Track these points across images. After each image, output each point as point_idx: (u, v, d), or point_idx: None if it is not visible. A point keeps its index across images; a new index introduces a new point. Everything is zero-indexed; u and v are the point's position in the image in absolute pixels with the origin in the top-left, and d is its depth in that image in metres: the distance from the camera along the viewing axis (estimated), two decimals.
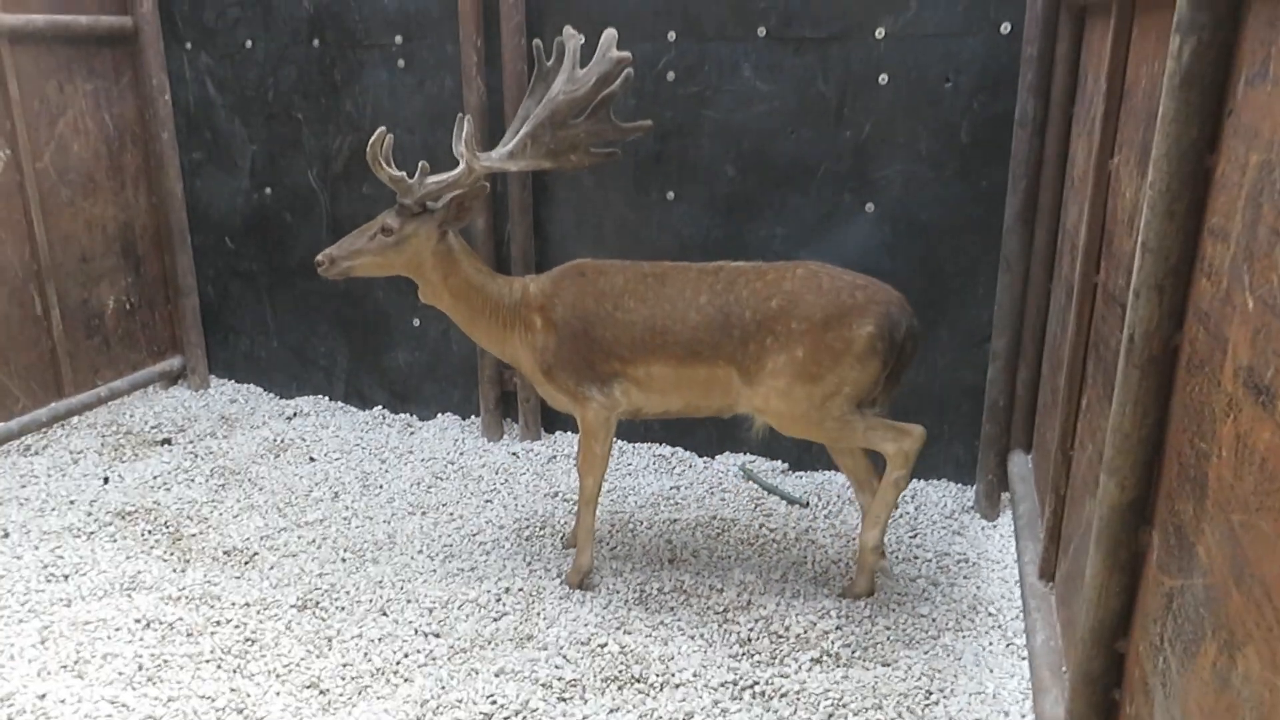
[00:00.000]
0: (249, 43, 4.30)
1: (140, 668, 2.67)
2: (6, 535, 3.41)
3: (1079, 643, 1.83)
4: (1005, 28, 3.17)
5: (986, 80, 3.24)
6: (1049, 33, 3.05)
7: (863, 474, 3.01)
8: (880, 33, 3.31)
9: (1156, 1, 2.01)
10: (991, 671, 2.66)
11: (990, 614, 2.91)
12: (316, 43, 4.16)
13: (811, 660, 2.69)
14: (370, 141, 2.74)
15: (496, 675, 2.64)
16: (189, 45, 4.43)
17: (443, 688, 2.59)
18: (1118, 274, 2.15)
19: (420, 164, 2.77)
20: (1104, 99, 2.36)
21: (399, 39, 4.00)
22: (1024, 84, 3.12)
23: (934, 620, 2.88)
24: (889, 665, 2.67)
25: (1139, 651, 1.67)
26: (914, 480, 3.69)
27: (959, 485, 3.68)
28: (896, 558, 3.21)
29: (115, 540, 3.40)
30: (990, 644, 2.78)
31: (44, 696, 2.53)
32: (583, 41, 2.79)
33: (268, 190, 4.49)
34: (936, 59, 3.28)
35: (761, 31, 3.45)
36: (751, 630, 2.83)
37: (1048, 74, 3.09)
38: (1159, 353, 1.56)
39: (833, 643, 2.75)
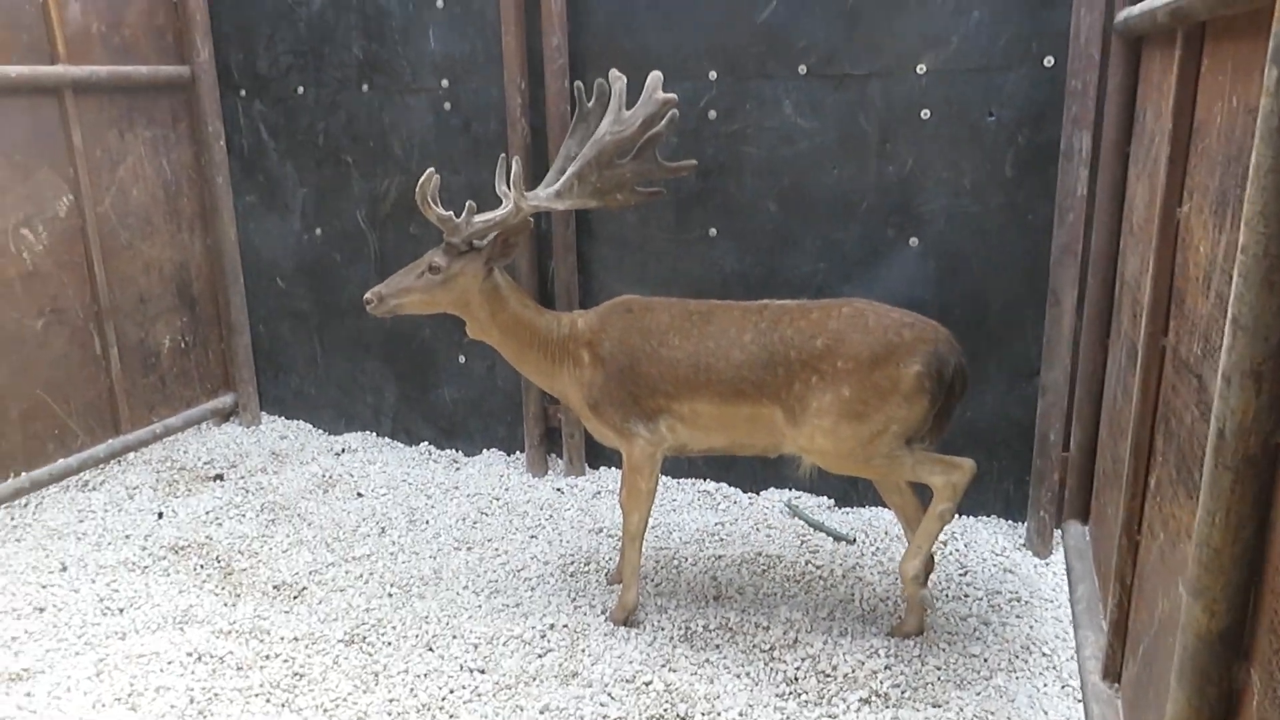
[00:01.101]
0: (300, 89, 4.42)
1: (191, 700, 2.71)
2: (65, 569, 3.48)
3: None
4: (1049, 61, 3.17)
5: (1031, 114, 3.23)
6: (1095, 65, 3.03)
7: (911, 511, 2.97)
8: (921, 68, 3.32)
9: (1231, 28, 1.77)
10: (1046, 714, 2.59)
11: (1044, 654, 2.85)
12: (365, 88, 4.27)
13: (860, 700, 2.64)
14: (419, 182, 2.80)
15: (541, 712, 2.63)
16: (243, 92, 4.57)
17: None
18: (1191, 338, 1.91)
19: (467, 204, 2.83)
20: (1169, 139, 2.13)
21: (445, 82, 4.10)
22: (1069, 117, 3.11)
23: (985, 660, 2.82)
24: (939, 706, 2.62)
25: None
26: (963, 516, 3.63)
27: (1009, 522, 3.62)
28: (946, 595, 3.16)
29: (169, 574, 3.46)
30: (1044, 685, 2.71)
31: None
32: (625, 83, 2.83)
33: (318, 231, 4.59)
34: (979, 93, 3.28)
35: (802, 69, 3.48)
36: (798, 669, 2.79)
37: (1097, 107, 3.06)
38: (1256, 452, 1.30)
39: (881, 682, 2.70)
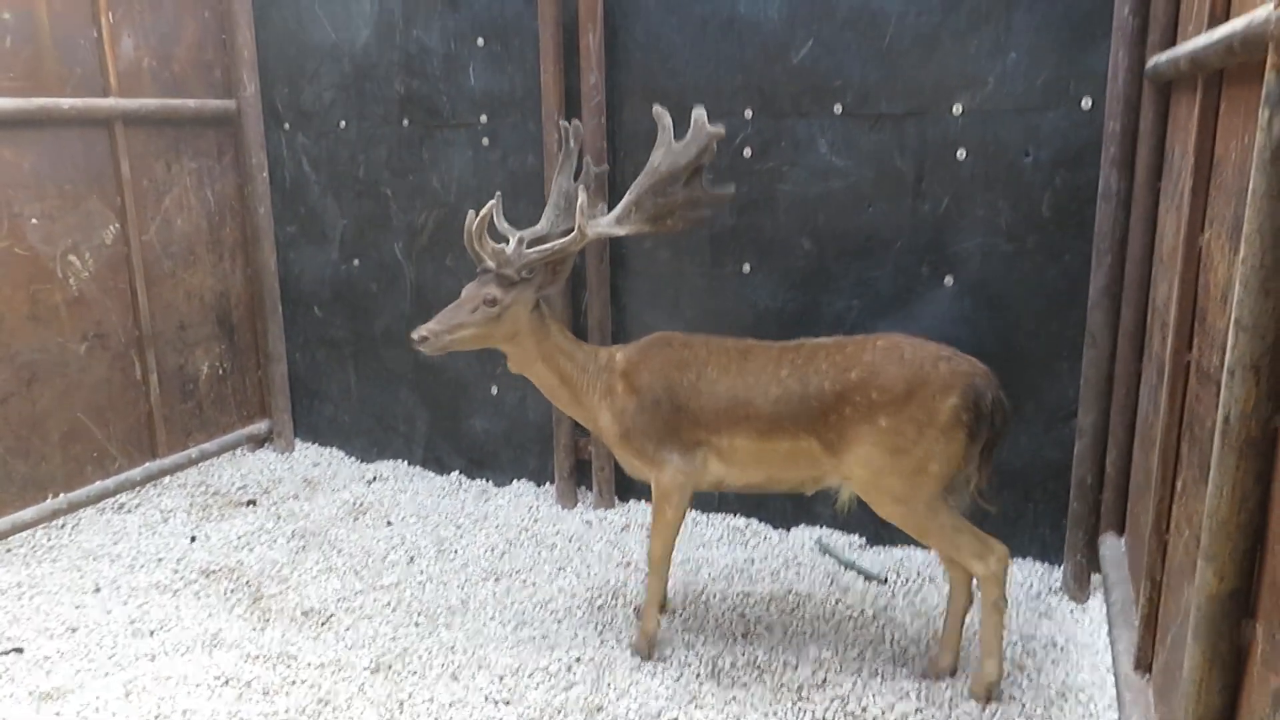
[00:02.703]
0: (343, 123, 4.51)
1: None
2: (98, 590, 3.52)
3: None
4: (1086, 103, 3.16)
5: (1068, 154, 3.23)
6: (1131, 107, 3.03)
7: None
8: (958, 109, 3.33)
9: (1244, 75, 1.99)
10: None
11: (1080, 702, 2.78)
12: (406, 122, 4.35)
13: None
14: (479, 216, 2.78)
15: None
16: (287, 126, 4.67)
17: None
18: (1211, 352, 2.08)
19: (518, 235, 2.85)
20: (1191, 174, 2.32)
21: (484, 118, 4.16)
22: (1107, 158, 3.10)
23: (1021, 707, 2.76)
24: None
25: None
26: None
27: (1045, 565, 3.55)
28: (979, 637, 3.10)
29: (199, 598, 3.48)
30: None
31: None
32: (670, 118, 2.87)
33: (355, 262, 4.66)
34: (1016, 134, 3.28)
35: (838, 108, 3.50)
36: (827, 710, 2.75)
37: (1131, 148, 3.06)
38: (1257, 435, 1.50)
39: None
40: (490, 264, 2.85)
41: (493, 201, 2.83)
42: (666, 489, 2.93)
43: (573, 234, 2.84)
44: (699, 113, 2.79)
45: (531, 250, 2.85)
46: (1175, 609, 2.25)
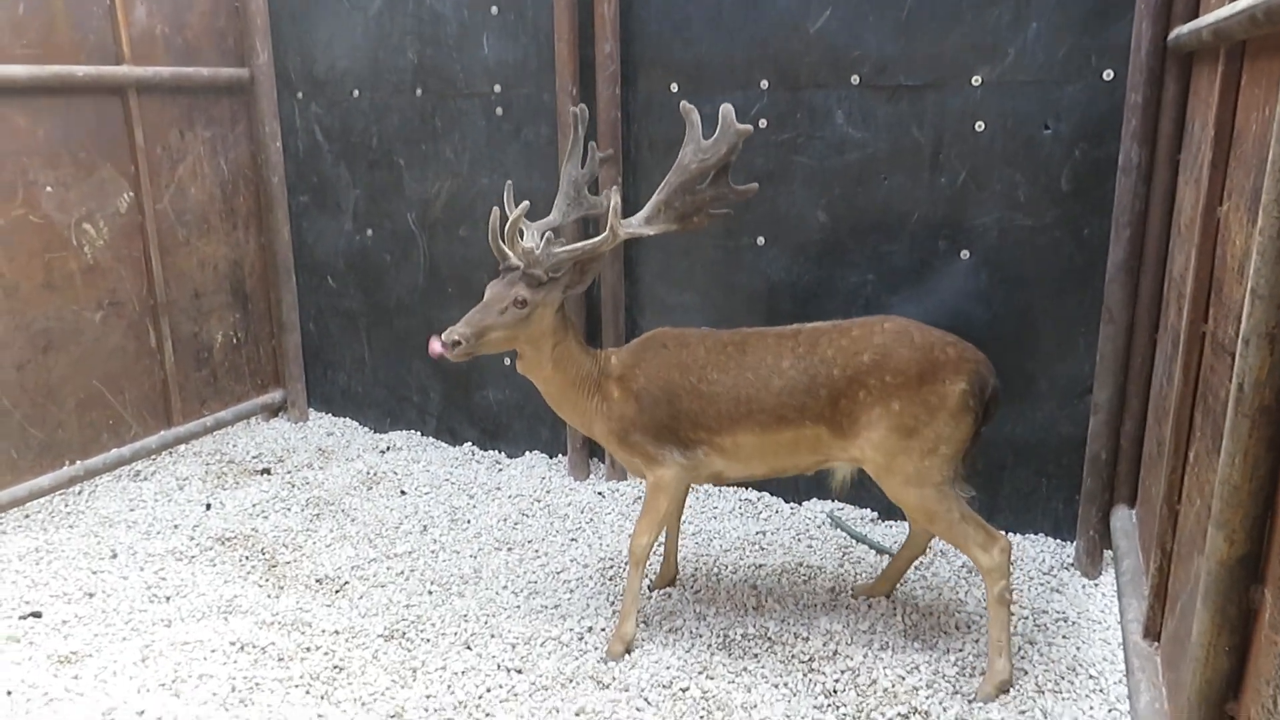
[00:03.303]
0: (356, 92, 4.49)
1: (233, 689, 2.75)
2: (115, 556, 3.56)
3: (1186, 704, 1.75)
4: (1108, 74, 3.12)
5: (1088, 127, 3.19)
6: (1154, 80, 2.99)
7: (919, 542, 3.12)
8: (977, 80, 3.29)
9: (1267, 47, 1.97)
10: None
11: (1091, 676, 2.79)
12: (419, 92, 4.32)
13: (899, 716, 2.61)
14: (510, 220, 2.69)
15: (577, 714, 2.63)
16: (300, 95, 4.65)
17: None
18: (1227, 323, 2.08)
19: (546, 234, 2.77)
20: (1211, 145, 2.31)
21: (497, 88, 4.14)
22: (1128, 131, 3.06)
23: (1031, 680, 2.77)
24: None
25: (1251, 715, 1.59)
26: (1011, 534, 3.58)
27: (1058, 541, 3.55)
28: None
29: (215, 565, 3.51)
30: (1091, 708, 2.65)
31: (142, 713, 2.62)
32: (699, 115, 2.79)
33: (369, 232, 4.66)
34: (1035, 106, 3.24)
35: (855, 79, 3.46)
36: (837, 681, 2.76)
37: (1153, 121, 3.03)
38: (1270, 403, 1.52)
39: (923, 699, 2.66)
40: (518, 263, 2.74)
41: (525, 204, 2.71)
42: (665, 482, 2.89)
43: (604, 235, 2.75)
44: (727, 109, 2.69)
45: (561, 250, 2.75)
46: (1185, 578, 2.27)
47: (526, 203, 2.74)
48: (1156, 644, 2.60)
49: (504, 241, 2.73)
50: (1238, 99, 2.22)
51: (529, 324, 2.76)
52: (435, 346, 2.73)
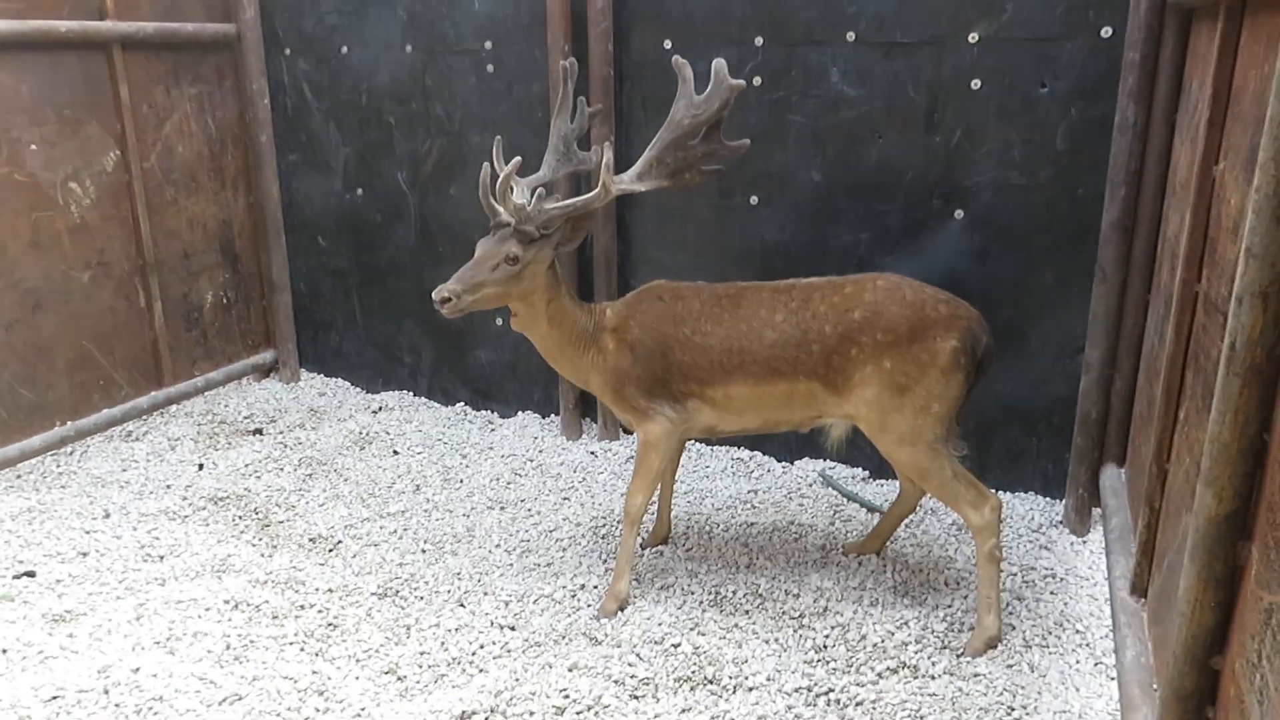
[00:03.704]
0: (345, 49, 4.43)
1: (228, 647, 2.76)
2: (108, 516, 3.56)
3: (1171, 658, 1.78)
4: (1106, 32, 3.09)
5: (1085, 85, 3.16)
6: (1152, 37, 2.96)
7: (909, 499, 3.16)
8: (973, 37, 3.25)
9: (1267, 4, 1.95)
10: (1078, 690, 2.57)
11: (1078, 631, 2.82)
12: (409, 49, 4.26)
13: (889, 670, 2.64)
14: (502, 175, 2.66)
15: (570, 670, 2.65)
16: (288, 51, 4.59)
17: (517, 680, 2.61)
18: (1220, 282, 2.08)
19: (537, 190, 2.74)
20: (1209, 104, 2.29)
21: (488, 44, 4.08)
22: (1125, 90, 3.03)
23: (1019, 635, 2.80)
24: (969, 680, 2.61)
25: (1235, 669, 1.61)
26: (1001, 492, 3.60)
27: (1047, 499, 3.58)
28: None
29: (208, 524, 3.52)
30: (1077, 662, 2.69)
31: (138, 670, 2.64)
32: (691, 70, 2.76)
33: (359, 191, 4.62)
34: (1032, 64, 3.21)
35: (850, 36, 3.42)
36: (828, 637, 2.79)
37: (1150, 79, 3.00)
38: (1261, 362, 1.52)
39: (912, 654, 2.69)
40: (508, 220, 2.72)
41: (516, 160, 2.68)
42: (655, 438, 2.89)
43: (596, 191, 2.73)
44: (719, 64, 2.68)
45: (552, 206, 2.73)
46: (1173, 535, 2.29)
47: (518, 158, 2.72)
48: (1143, 600, 2.63)
49: (495, 198, 2.71)
50: (1237, 57, 2.20)
51: (521, 281, 2.75)
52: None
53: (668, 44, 3.73)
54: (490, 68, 4.10)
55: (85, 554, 3.28)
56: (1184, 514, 2.14)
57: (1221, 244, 2.13)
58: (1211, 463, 1.61)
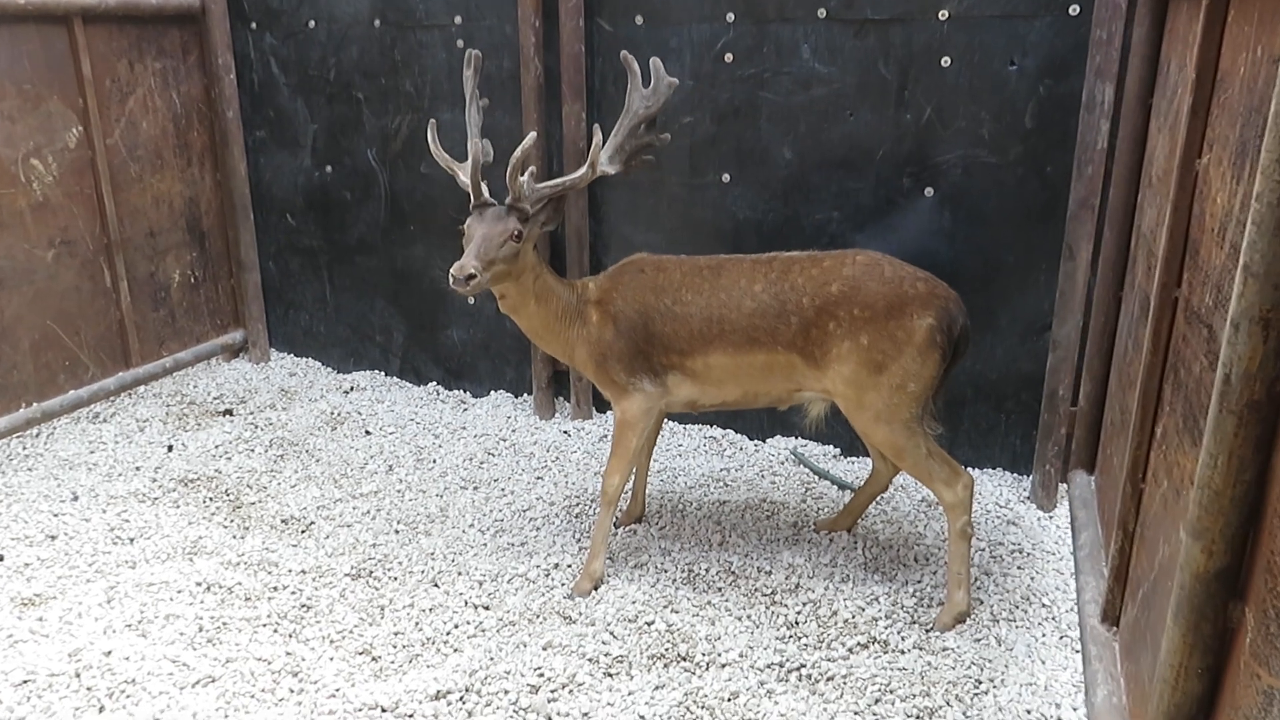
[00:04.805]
0: (312, 23, 4.36)
1: (200, 629, 2.75)
2: (76, 499, 3.52)
3: None
4: (1074, 10, 3.10)
5: (1053, 64, 3.17)
6: (1120, 14, 2.97)
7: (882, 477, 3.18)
8: (944, 14, 3.26)
9: None
10: (1044, 663, 2.62)
11: (1044, 605, 2.87)
12: (377, 23, 4.20)
13: (859, 645, 2.67)
14: (520, 149, 2.63)
15: (544, 649, 2.67)
16: (254, 25, 4.51)
17: (491, 659, 2.62)
18: (1204, 290, 1.91)
19: (529, 169, 2.73)
20: (1191, 90, 2.10)
21: (458, 19, 4.03)
22: (1092, 68, 3.05)
23: (986, 610, 2.84)
24: (937, 654, 2.65)
25: None
26: (969, 469, 3.64)
27: (1015, 475, 3.63)
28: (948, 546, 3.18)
29: (178, 506, 3.49)
30: (1043, 635, 2.74)
31: (109, 653, 2.62)
32: (637, 64, 2.84)
33: (328, 169, 4.56)
34: (1001, 41, 3.22)
35: (822, 13, 3.41)
36: (799, 613, 2.82)
37: (1121, 59, 3.00)
38: (1260, 397, 1.33)
39: (882, 629, 2.73)
40: (489, 199, 2.74)
41: (531, 135, 2.70)
42: (633, 417, 2.91)
43: (583, 170, 2.78)
44: (656, 63, 2.81)
45: (544, 185, 2.78)
46: (1149, 564, 2.13)
47: (533, 134, 2.76)
48: (1115, 629, 2.51)
49: (514, 173, 2.67)
50: (1222, 37, 2.01)
51: (518, 259, 2.75)
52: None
53: (639, 20, 3.70)
54: (460, 43, 4.06)
55: (54, 537, 3.25)
56: (1160, 542, 2.02)
57: (1205, 246, 1.95)
58: (1200, 511, 1.43)
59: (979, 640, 2.71)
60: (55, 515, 3.39)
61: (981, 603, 2.87)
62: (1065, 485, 3.45)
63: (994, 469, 3.67)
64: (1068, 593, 2.92)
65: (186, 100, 4.56)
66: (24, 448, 3.95)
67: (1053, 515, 3.39)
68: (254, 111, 4.65)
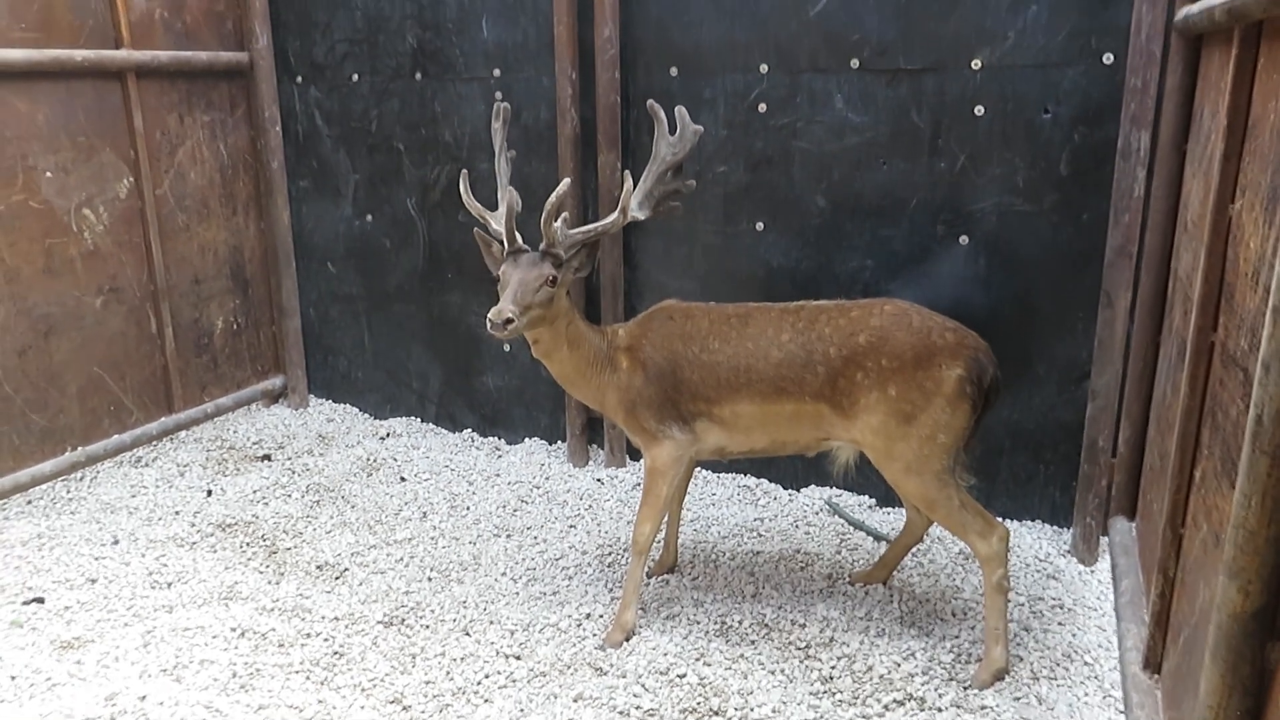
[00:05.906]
0: (355, 76, 4.48)
1: (234, 675, 2.77)
2: (117, 542, 3.57)
3: None
4: (1108, 58, 3.10)
5: (1088, 111, 3.17)
6: (1155, 62, 2.96)
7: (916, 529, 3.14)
8: (977, 64, 3.27)
9: None
10: None
11: (1086, 663, 2.80)
12: (418, 76, 4.31)
13: (895, 703, 2.62)
14: (555, 195, 2.66)
15: (575, 700, 2.64)
16: (299, 79, 4.64)
17: (521, 710, 2.60)
18: (1239, 333, 1.93)
19: (563, 215, 2.77)
20: (1224, 137, 2.14)
21: (497, 71, 4.12)
22: (1127, 115, 3.04)
23: (1026, 667, 2.78)
24: (975, 712, 2.58)
25: None
26: (1008, 521, 3.58)
27: (1054, 528, 3.56)
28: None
29: (215, 551, 3.53)
30: (1086, 694, 2.66)
31: (144, 698, 2.64)
32: (663, 112, 2.88)
33: (369, 218, 4.65)
34: (1035, 90, 3.22)
35: (855, 63, 3.44)
36: (834, 668, 2.77)
37: (1155, 106, 2.99)
38: None
39: (919, 686, 2.67)
40: (523, 245, 2.76)
41: (566, 182, 2.72)
42: (664, 465, 2.90)
43: (614, 216, 2.80)
44: (681, 111, 2.83)
45: (577, 230, 2.81)
46: (1190, 609, 2.13)
47: (568, 179, 2.80)
48: (1157, 676, 2.47)
49: (550, 219, 2.70)
50: (1254, 85, 2.05)
51: (553, 304, 2.76)
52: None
53: (674, 71, 3.75)
54: (499, 94, 4.14)
55: (94, 580, 3.30)
56: (1201, 586, 2.01)
57: (1240, 291, 1.97)
58: (1236, 552, 1.44)
59: (1019, 699, 2.64)
60: (96, 559, 3.44)
61: (1021, 659, 2.80)
62: (1106, 538, 3.37)
63: (1033, 521, 3.60)
64: (1110, 650, 2.84)
65: (233, 151, 4.69)
66: (68, 491, 4.03)
67: (1094, 569, 3.31)
68: (298, 162, 4.77)
